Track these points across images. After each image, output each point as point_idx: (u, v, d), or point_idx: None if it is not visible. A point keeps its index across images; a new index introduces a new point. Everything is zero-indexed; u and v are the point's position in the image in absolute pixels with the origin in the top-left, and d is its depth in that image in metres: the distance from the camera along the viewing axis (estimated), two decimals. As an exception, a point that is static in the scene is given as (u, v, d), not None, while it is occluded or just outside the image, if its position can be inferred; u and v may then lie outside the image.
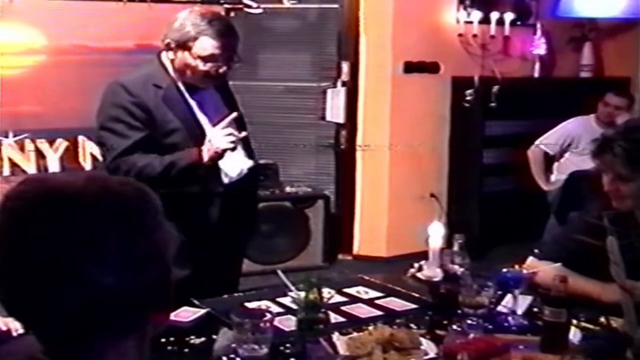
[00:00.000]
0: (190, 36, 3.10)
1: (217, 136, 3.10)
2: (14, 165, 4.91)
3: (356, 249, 6.56)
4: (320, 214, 6.09)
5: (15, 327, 2.49)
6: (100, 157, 5.09)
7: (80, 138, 5.13)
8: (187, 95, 3.21)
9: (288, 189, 6.13)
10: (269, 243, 5.85)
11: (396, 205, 6.43)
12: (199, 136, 3.16)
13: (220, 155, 3.12)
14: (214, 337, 2.42)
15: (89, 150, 5.17)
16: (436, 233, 2.89)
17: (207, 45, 3.09)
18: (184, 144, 3.15)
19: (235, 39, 3.19)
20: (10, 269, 1.15)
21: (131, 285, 1.15)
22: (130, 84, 3.12)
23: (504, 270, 2.70)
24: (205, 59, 3.10)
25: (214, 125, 3.17)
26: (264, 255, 5.68)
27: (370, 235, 6.54)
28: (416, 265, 3.04)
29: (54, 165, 5.05)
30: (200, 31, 3.09)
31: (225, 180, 3.24)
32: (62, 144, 5.09)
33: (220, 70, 3.16)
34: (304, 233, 6.04)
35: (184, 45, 3.11)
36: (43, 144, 5.03)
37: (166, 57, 3.20)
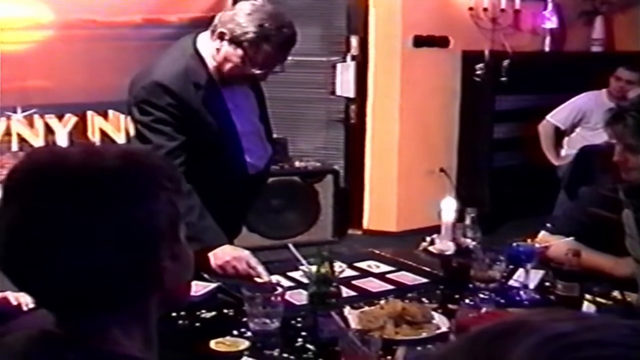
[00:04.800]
0: (250, 37, 2.75)
1: (242, 263, 2.70)
2: (22, 140, 4.89)
3: (366, 223, 6.56)
4: (329, 188, 6.08)
5: (26, 301, 2.49)
6: (110, 134, 5.15)
7: (89, 113, 5.11)
8: (224, 95, 2.94)
9: (297, 164, 6.12)
10: (279, 218, 5.85)
11: (406, 180, 6.41)
12: (232, 137, 2.96)
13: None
14: (225, 311, 2.42)
15: (97, 125, 5.15)
16: (449, 207, 2.88)
17: (265, 53, 2.77)
18: (217, 146, 2.94)
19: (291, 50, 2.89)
20: (11, 240, 1.17)
21: (113, 263, 1.16)
22: (170, 83, 2.81)
23: (516, 244, 2.69)
24: (253, 64, 2.80)
25: (245, 128, 3.00)
26: (273, 230, 5.69)
27: (380, 210, 6.53)
28: (428, 238, 3.03)
29: (62, 140, 5.03)
30: (265, 36, 2.75)
31: (252, 172, 3.05)
32: (71, 119, 5.06)
33: (261, 76, 2.91)
34: (313, 208, 6.03)
35: (237, 42, 2.77)
36: (52, 119, 5.00)
37: (204, 43, 2.88)
